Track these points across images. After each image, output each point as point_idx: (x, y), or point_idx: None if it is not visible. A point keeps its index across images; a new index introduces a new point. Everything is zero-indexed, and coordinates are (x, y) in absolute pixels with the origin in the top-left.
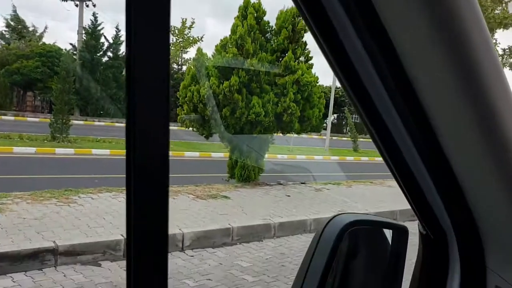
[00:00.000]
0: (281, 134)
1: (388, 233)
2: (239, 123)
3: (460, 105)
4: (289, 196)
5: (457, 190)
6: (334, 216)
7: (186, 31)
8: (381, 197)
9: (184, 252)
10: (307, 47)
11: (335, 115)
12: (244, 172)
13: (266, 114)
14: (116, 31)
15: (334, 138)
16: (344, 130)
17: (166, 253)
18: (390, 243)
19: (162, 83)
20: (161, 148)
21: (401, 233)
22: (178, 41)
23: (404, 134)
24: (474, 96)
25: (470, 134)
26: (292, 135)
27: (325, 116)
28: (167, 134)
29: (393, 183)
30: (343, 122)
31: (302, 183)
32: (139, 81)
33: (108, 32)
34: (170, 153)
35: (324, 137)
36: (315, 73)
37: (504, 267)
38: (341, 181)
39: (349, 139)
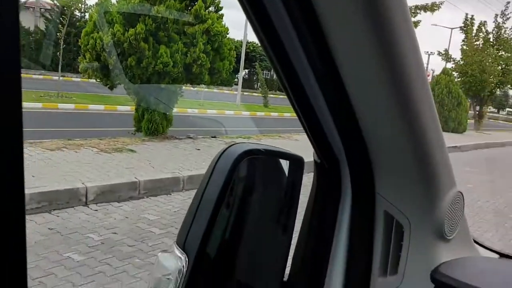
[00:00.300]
0: (191, 88)
1: (285, 163)
2: (146, 74)
3: (366, 49)
4: (199, 149)
5: (352, 121)
6: (229, 146)
7: None
8: (288, 149)
9: (87, 207)
10: None
11: (246, 70)
12: (151, 125)
13: (174, 65)
14: None
15: (245, 93)
16: (255, 86)
17: (23, 219)
18: (287, 173)
19: (10, 24)
20: (11, 98)
21: (297, 164)
22: None
23: (306, 66)
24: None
25: (371, 73)
26: (202, 88)
27: (237, 70)
28: (18, 82)
29: (300, 137)
30: (254, 78)
31: (212, 137)
32: None
33: None
34: (72, 106)
35: (236, 92)
36: (225, 24)
37: (391, 192)
38: (252, 135)
39: (260, 94)
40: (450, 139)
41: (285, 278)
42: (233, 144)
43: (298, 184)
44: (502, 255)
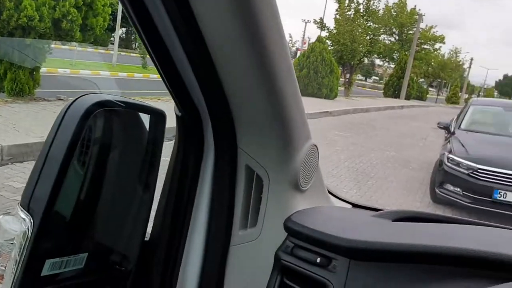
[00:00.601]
0: (61, 46)
1: (146, 118)
2: (7, 27)
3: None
4: None
5: (213, 76)
6: (78, 97)
7: None
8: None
9: None
10: None
11: (123, 29)
12: (15, 86)
13: (41, 19)
14: None
15: (122, 53)
16: (134, 46)
17: None
18: (148, 128)
19: None
20: None
21: (158, 118)
22: None
23: (165, 17)
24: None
25: (231, 32)
26: (75, 47)
27: (113, 29)
28: None
29: None
30: (132, 37)
31: None
32: None
33: None
34: None
35: (112, 52)
36: None
37: (252, 146)
38: (129, 97)
39: (138, 55)
40: (322, 104)
41: (147, 237)
42: (83, 95)
43: (160, 140)
44: (354, 205)
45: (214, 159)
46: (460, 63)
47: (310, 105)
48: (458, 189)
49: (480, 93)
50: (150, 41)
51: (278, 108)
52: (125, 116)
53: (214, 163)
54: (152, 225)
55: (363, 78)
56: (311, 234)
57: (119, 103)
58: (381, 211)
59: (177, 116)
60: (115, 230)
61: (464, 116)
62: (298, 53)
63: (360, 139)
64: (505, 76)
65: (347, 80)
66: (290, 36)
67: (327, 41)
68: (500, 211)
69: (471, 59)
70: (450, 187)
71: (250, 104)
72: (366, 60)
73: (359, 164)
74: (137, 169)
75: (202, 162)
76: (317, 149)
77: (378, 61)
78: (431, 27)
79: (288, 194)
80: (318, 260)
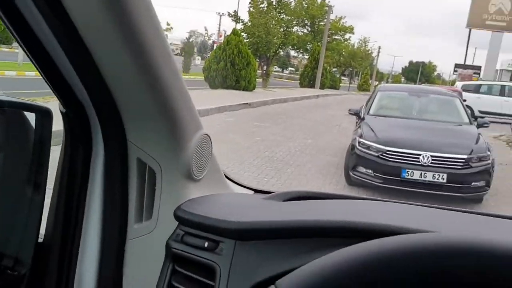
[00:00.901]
0: None
1: (31, 116)
2: None
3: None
4: None
5: (93, 70)
6: None
7: None
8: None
9: None
10: None
11: None
12: None
13: None
14: None
15: None
16: None
17: None
18: (34, 127)
19: None
20: None
21: (45, 116)
22: None
23: (36, 13)
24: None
25: (107, 26)
26: None
27: None
28: None
29: None
30: None
31: None
32: None
33: None
34: None
35: (17, 50)
36: None
37: (141, 139)
38: (37, 98)
39: None
40: (241, 96)
41: (41, 239)
42: None
43: (47, 139)
44: (256, 191)
45: (104, 154)
46: (369, 51)
47: (229, 97)
48: (370, 171)
49: (389, 80)
50: (23, 38)
51: (162, 100)
52: (8, 115)
53: (104, 158)
54: (45, 226)
55: (280, 70)
56: (200, 220)
57: (0, 101)
58: (272, 193)
59: (62, 113)
60: (4, 234)
61: (372, 102)
62: (215, 46)
63: (278, 129)
64: (410, 63)
65: (264, 72)
66: (206, 29)
67: (242, 33)
68: (408, 188)
69: (379, 48)
70: (362, 169)
71: (134, 98)
72: (281, 52)
73: (278, 153)
74: (24, 170)
75: (92, 158)
76: (210, 139)
77: (293, 53)
78: (341, 18)
79: (181, 184)
80: (206, 244)
